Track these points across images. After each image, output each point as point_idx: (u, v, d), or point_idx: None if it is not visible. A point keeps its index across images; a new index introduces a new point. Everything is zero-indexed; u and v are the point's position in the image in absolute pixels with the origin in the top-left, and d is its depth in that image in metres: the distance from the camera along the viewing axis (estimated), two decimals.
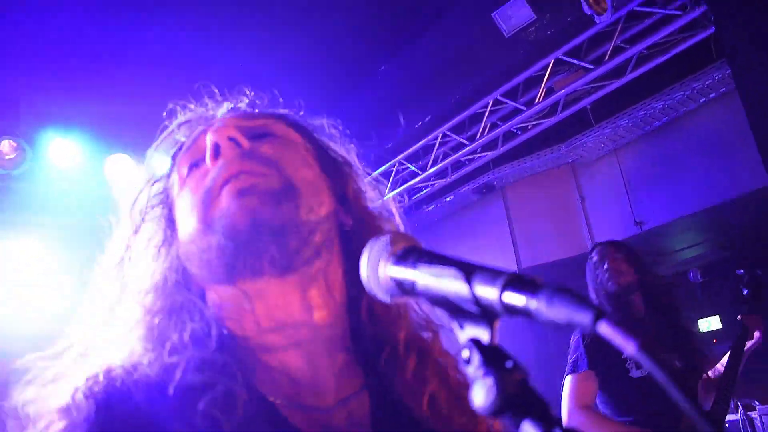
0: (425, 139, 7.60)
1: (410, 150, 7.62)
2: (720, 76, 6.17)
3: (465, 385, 1.15)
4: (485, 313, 0.68)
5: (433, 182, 8.12)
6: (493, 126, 7.29)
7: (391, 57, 6.88)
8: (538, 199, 8.58)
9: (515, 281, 0.65)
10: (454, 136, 7.53)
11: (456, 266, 0.71)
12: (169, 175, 1.27)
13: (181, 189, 1.19)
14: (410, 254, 0.79)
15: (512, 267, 8.61)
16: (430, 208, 8.89)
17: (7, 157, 6.35)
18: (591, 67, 6.16)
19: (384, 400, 1.16)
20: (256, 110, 1.35)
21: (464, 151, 7.47)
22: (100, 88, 6.17)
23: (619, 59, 5.97)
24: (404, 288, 0.78)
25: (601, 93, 6.36)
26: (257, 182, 1.07)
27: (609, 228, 7.86)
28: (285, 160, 1.13)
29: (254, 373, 1.07)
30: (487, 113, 7.13)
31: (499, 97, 6.95)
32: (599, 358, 3.80)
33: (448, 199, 8.83)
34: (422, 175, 7.80)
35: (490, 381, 0.63)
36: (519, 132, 7.24)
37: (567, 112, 6.73)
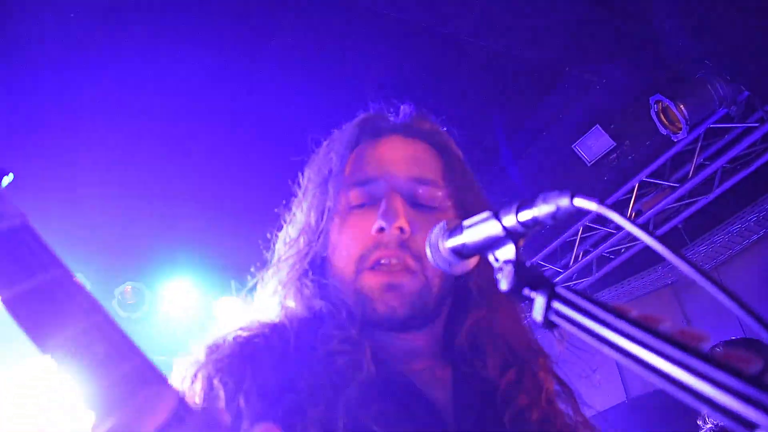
0: None
1: None
2: None
3: (557, 419, 1.31)
4: (511, 236, 0.92)
5: None
6: (586, 252, 7.35)
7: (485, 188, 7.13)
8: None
9: (523, 203, 0.90)
10: (549, 265, 7.62)
11: (489, 211, 0.98)
12: (338, 170, 1.47)
13: (345, 213, 1.42)
14: (458, 226, 1.05)
15: (621, 397, 8.32)
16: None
17: (128, 302, 6.75)
18: (676, 185, 6.24)
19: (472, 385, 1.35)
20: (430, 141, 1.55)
21: (559, 278, 7.51)
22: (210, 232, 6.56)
23: (702, 175, 6.04)
24: (460, 252, 1.03)
25: (690, 210, 6.39)
26: (404, 283, 1.32)
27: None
28: None
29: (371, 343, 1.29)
30: (578, 240, 7.23)
31: (588, 224, 7.05)
32: None
33: None
34: None
35: (510, 266, 0.88)
36: (612, 256, 7.26)
37: (658, 232, 6.74)
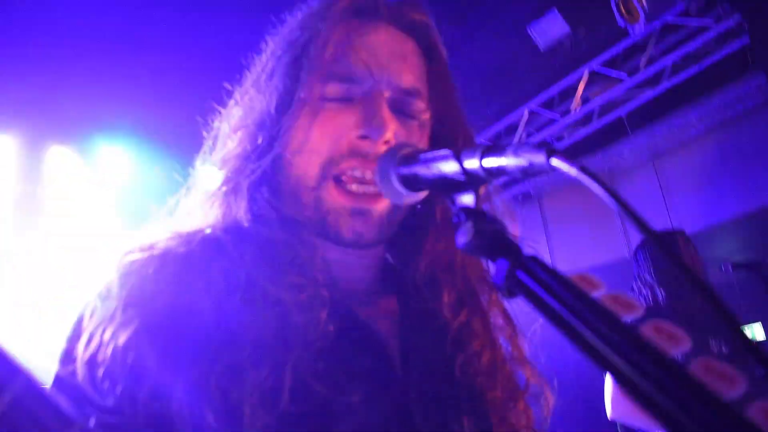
0: None
1: None
2: (758, 84, 6.18)
3: (506, 360, 1.26)
4: (472, 181, 0.84)
5: None
6: (529, 136, 7.39)
7: None
8: (575, 208, 8.61)
9: (489, 149, 0.80)
10: None
11: (448, 149, 0.88)
12: (311, 41, 1.22)
13: (317, 105, 1.19)
14: (412, 154, 0.97)
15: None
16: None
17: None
18: (626, 77, 6.23)
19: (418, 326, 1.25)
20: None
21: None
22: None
23: (653, 69, 6.03)
24: (411, 183, 0.96)
25: (636, 102, 6.42)
26: (374, 208, 1.17)
27: None
28: None
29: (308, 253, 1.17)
30: (523, 123, 7.23)
31: (534, 108, 7.04)
32: None
33: None
34: None
35: (470, 224, 0.79)
36: (555, 141, 7.32)
37: (602, 122, 6.79)
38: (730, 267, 4.04)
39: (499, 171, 0.79)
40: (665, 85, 6.15)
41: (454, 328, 1.22)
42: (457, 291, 1.27)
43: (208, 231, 1.17)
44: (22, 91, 5.97)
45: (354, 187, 1.14)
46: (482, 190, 0.85)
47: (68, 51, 5.65)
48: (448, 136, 1.32)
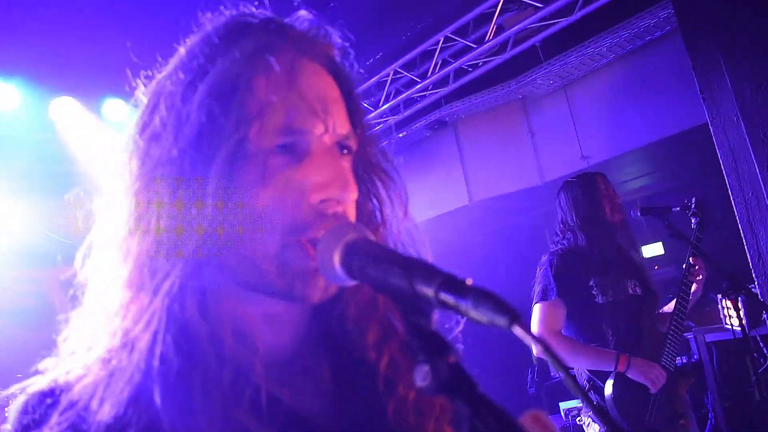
0: (377, 77, 7.65)
1: (362, 87, 7.63)
2: (665, 14, 6.29)
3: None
4: (424, 304, 0.78)
5: (385, 119, 8.18)
6: (445, 63, 7.35)
7: None
8: (489, 135, 8.71)
9: (448, 283, 0.74)
10: (406, 73, 7.58)
11: (399, 267, 0.81)
12: (238, 87, 0.99)
13: (261, 157, 0.98)
14: (359, 246, 0.89)
15: (464, 201, 8.80)
16: (383, 144, 8.95)
17: None
18: (540, 5, 6.21)
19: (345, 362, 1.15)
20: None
21: (416, 88, 7.54)
22: (42, 30, 6.01)
23: None
24: (354, 273, 0.88)
25: (550, 31, 6.43)
26: None
27: (557, 162, 8.06)
28: None
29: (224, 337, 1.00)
30: (438, 51, 7.17)
31: (449, 35, 6.98)
32: (567, 286, 4.04)
33: (400, 135, 8.90)
34: (375, 112, 7.86)
35: (426, 367, 0.73)
36: (470, 69, 7.30)
37: (517, 50, 6.80)
38: (638, 212, 4.22)
39: (453, 309, 0.74)
40: (578, 14, 6.18)
41: (383, 371, 1.13)
42: (381, 326, 1.17)
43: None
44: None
45: (311, 248, 0.99)
46: (434, 314, 0.79)
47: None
48: (366, 178, 1.18)
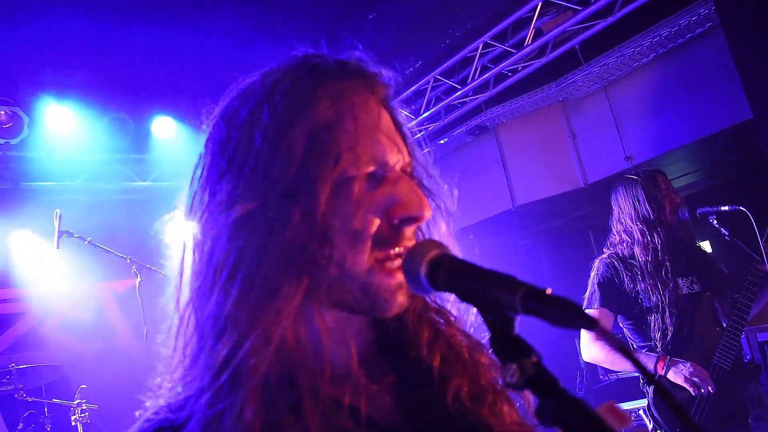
0: (417, 84, 7.74)
1: (403, 95, 7.74)
2: (705, 12, 6.26)
3: (483, 367, 1.25)
4: (508, 311, 0.89)
5: (426, 126, 8.26)
6: (484, 69, 7.41)
7: (379, 4, 6.94)
8: (531, 138, 8.72)
9: (531, 293, 0.85)
10: (446, 80, 7.67)
11: (484, 278, 0.93)
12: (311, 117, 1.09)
13: (347, 183, 1.08)
14: (442, 260, 1.00)
15: (507, 205, 8.82)
16: (425, 151, 9.02)
17: (4, 126, 6.46)
18: (578, 8, 6.25)
19: (413, 389, 1.21)
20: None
21: (456, 94, 7.62)
22: (96, 51, 6.24)
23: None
24: (438, 284, 0.99)
25: (589, 33, 6.46)
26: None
27: (600, 163, 8.04)
28: None
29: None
30: (477, 56, 7.25)
31: (488, 41, 7.05)
32: (611, 294, 4.07)
33: (442, 141, 8.98)
34: (416, 120, 7.95)
35: (513, 366, 0.84)
36: (509, 74, 7.36)
37: (556, 53, 6.84)
38: (686, 211, 4.20)
39: (536, 315, 0.84)
40: (617, 15, 6.19)
41: (437, 367, 1.21)
42: (431, 328, 1.26)
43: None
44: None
45: (395, 264, 1.09)
46: (516, 319, 0.89)
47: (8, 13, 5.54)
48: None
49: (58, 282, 7.66)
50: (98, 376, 6.82)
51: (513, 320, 0.89)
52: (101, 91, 6.91)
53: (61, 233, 5.96)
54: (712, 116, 6.83)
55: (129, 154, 7.90)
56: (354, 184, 1.07)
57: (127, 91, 7.09)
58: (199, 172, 1.15)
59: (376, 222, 1.08)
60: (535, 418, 0.82)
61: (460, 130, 8.72)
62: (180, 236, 1.14)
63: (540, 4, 6.49)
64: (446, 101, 7.77)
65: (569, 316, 0.81)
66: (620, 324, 4.23)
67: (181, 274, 1.13)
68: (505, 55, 7.11)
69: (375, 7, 7.00)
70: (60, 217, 6.03)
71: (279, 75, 1.15)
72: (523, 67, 7.17)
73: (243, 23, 6.54)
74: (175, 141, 7.86)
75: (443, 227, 1.26)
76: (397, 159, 1.13)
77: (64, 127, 6.96)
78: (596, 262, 4.25)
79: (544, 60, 6.95)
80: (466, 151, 9.34)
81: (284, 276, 1.02)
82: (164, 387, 1.10)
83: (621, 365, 4.07)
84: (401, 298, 1.10)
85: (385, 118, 1.17)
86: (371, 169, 1.09)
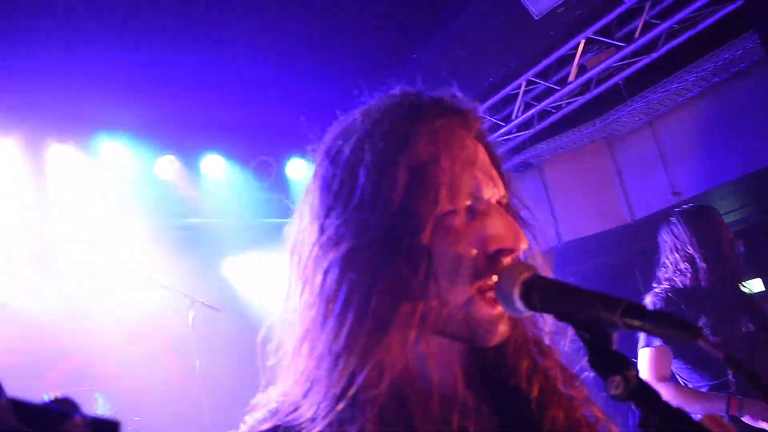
0: None
1: None
2: (751, 45, 6.23)
3: (577, 401, 1.27)
4: (607, 327, 0.92)
5: None
6: (528, 106, 7.46)
7: (423, 44, 7.05)
8: (576, 174, 8.70)
9: (631, 308, 0.89)
10: (490, 117, 7.73)
11: (581, 296, 0.96)
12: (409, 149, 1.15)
13: (447, 217, 1.13)
14: (534, 284, 1.04)
15: (553, 241, 8.77)
16: None
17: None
18: (622, 44, 6.27)
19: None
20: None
21: (500, 131, 7.67)
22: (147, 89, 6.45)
23: (649, 36, 6.08)
24: (532, 305, 1.03)
25: (632, 69, 6.48)
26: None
27: (647, 199, 7.97)
28: None
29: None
30: (521, 94, 7.30)
31: (531, 78, 7.11)
32: None
33: None
34: None
35: (618, 377, 0.87)
36: (553, 110, 7.39)
37: (600, 89, 6.86)
38: (741, 245, 4.10)
39: (638, 329, 0.88)
40: (661, 50, 6.21)
41: (535, 397, 1.23)
42: (530, 358, 1.28)
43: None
44: (20, 91, 6.14)
45: (494, 294, 1.12)
46: (615, 335, 0.92)
47: (63, 49, 5.79)
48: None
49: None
50: (152, 408, 6.90)
51: (611, 336, 0.92)
52: (158, 129, 7.15)
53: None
54: (761, 150, 6.74)
55: (180, 191, 8.10)
56: (453, 218, 1.12)
57: (178, 129, 7.31)
58: (306, 209, 1.21)
59: (474, 254, 1.12)
60: (638, 430, 0.84)
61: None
62: (281, 269, 1.23)
63: (583, 41, 6.54)
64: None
65: (671, 329, 0.84)
66: (682, 363, 4.06)
67: (290, 306, 1.19)
68: (548, 92, 7.15)
69: (419, 46, 7.13)
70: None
71: (378, 114, 1.21)
72: (567, 104, 7.20)
73: (296, 59, 6.73)
74: (224, 179, 8.07)
75: (539, 258, 1.27)
76: (492, 192, 1.18)
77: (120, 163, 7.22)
78: (648, 298, 4.11)
79: (587, 96, 6.97)
80: None
81: (392, 310, 1.07)
82: (274, 409, 1.15)
83: (690, 407, 3.89)
84: (502, 328, 1.14)
85: (481, 153, 1.22)
86: (468, 203, 1.14)
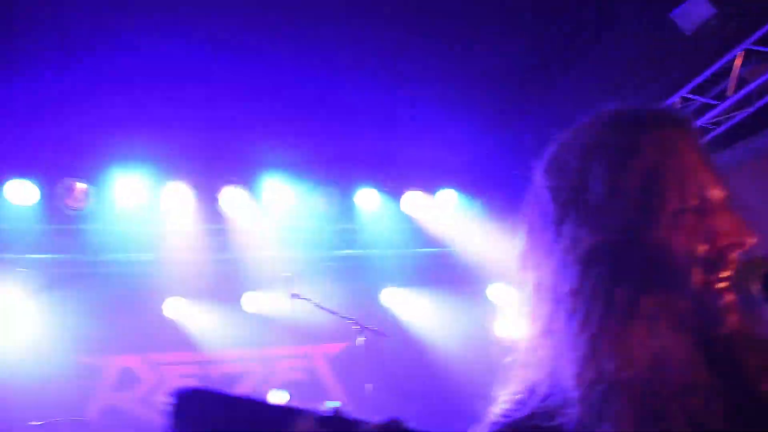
0: None
1: None
2: None
3: None
4: None
5: None
6: None
7: (577, 61, 6.98)
8: (745, 191, 8.17)
9: None
10: None
11: None
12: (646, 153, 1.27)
13: (680, 215, 1.24)
14: None
15: None
16: None
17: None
18: None
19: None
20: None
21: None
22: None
23: None
24: None
25: None
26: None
27: None
28: None
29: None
30: None
31: (686, 95, 6.82)
32: None
33: None
34: None
35: None
36: (713, 126, 7.02)
37: (762, 102, 6.46)
38: None
39: None
40: None
41: (766, 390, 1.25)
42: (761, 354, 1.31)
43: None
44: (192, 142, 6.72)
45: (724, 285, 1.23)
46: None
47: (229, 103, 6.26)
48: None
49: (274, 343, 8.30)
50: None
51: None
52: (314, 163, 7.54)
53: (293, 295, 6.51)
54: None
55: (337, 224, 8.47)
56: (684, 216, 1.23)
57: (335, 163, 7.67)
58: (536, 221, 1.34)
59: (707, 248, 1.22)
60: None
61: None
62: (523, 276, 1.35)
63: (741, 53, 6.20)
64: None
65: None
66: None
67: (532, 309, 1.31)
68: (706, 108, 6.82)
69: (573, 64, 7.06)
70: (289, 280, 6.57)
71: (601, 128, 1.35)
72: (726, 119, 6.83)
73: (445, 94, 6.90)
74: (377, 212, 8.39)
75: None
76: (716, 192, 1.28)
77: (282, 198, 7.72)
78: None
79: (749, 110, 6.58)
80: None
81: (635, 302, 1.19)
82: (521, 399, 1.26)
83: None
84: (733, 317, 1.23)
85: (705, 156, 1.33)
86: (695, 202, 1.25)
